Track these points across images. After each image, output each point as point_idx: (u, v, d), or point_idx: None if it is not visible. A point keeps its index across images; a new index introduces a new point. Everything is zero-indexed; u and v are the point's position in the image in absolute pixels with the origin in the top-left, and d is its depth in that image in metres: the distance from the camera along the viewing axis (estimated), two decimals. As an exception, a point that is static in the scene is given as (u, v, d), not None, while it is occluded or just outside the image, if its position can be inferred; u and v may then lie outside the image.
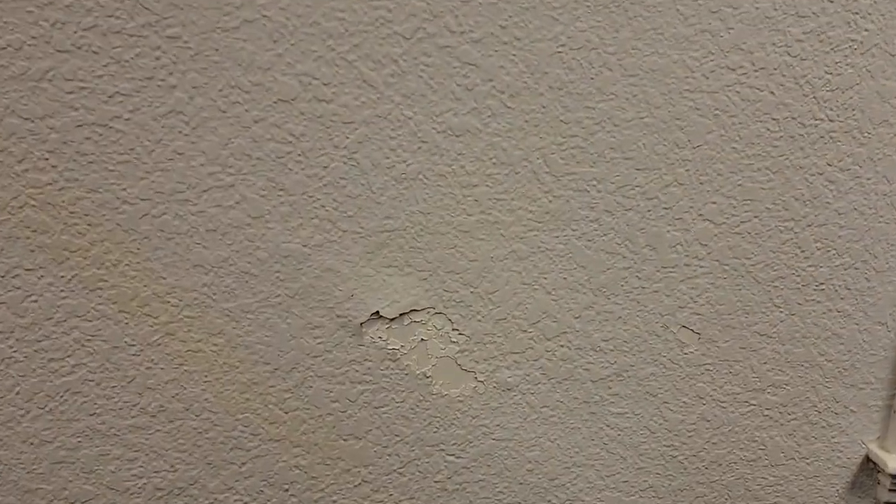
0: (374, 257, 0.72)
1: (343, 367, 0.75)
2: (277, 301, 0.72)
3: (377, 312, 0.74)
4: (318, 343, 0.74)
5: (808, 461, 0.81)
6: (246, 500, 0.79)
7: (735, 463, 0.81)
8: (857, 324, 0.77)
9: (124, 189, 0.67)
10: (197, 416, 0.76)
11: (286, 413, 0.76)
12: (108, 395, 0.74)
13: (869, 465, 0.81)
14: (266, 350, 0.74)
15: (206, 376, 0.74)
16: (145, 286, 0.70)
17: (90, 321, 0.71)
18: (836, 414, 0.80)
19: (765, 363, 0.78)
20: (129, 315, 0.71)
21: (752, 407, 0.79)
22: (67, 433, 0.75)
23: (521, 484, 0.81)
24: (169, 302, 0.71)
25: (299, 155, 0.67)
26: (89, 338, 0.71)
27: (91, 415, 0.75)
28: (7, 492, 0.76)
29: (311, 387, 0.76)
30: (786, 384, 0.79)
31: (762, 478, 0.82)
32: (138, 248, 0.69)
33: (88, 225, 0.67)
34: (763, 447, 0.81)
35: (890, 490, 0.80)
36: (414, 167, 0.69)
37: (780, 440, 0.80)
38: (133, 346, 0.72)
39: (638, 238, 0.73)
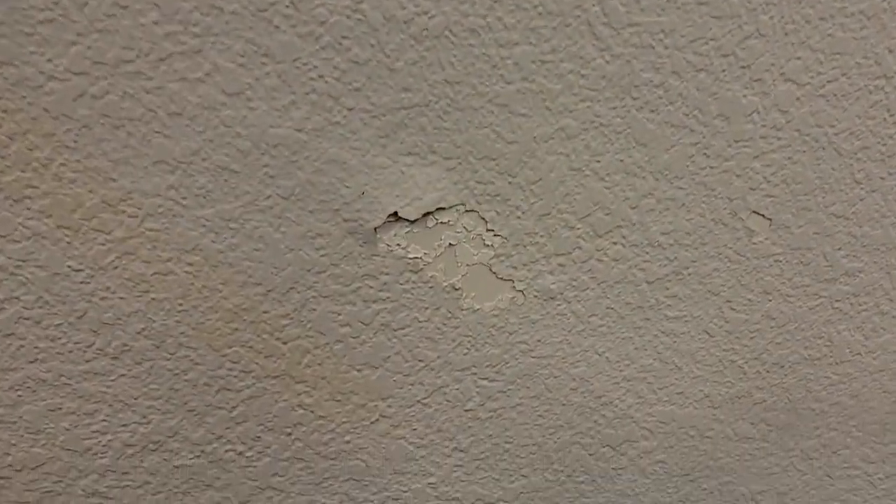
0: (388, 143, 0.56)
1: (354, 283, 0.60)
2: (267, 204, 0.56)
3: (395, 214, 0.59)
4: (322, 255, 0.59)
5: (874, 355, 0.73)
6: (240, 449, 0.65)
7: (798, 363, 0.72)
8: (942, 198, 0.67)
9: (49, 60, 0.48)
10: (171, 354, 0.60)
11: (285, 344, 0.62)
12: (52, 335, 0.57)
13: (936, 355, 0.74)
14: (256, 268, 0.58)
15: (180, 304, 0.58)
16: (90, 192, 0.53)
17: (18, 242, 0.53)
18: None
19: (839, 249, 0.68)
20: (72, 231, 0.54)
21: (822, 300, 0.69)
22: (2, 386, 0.59)
23: (563, 405, 0.69)
24: (124, 212, 0.54)
25: (288, 6, 0.50)
26: (19, 263, 0.54)
27: (31, 362, 0.58)
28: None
29: (314, 310, 0.61)
30: (859, 272, 0.69)
31: (825, 377, 0.73)
32: (75, 142, 0.51)
33: (3, 112, 0.49)
34: (829, 343, 0.72)
35: (960, 380, 0.73)
36: (438, 21, 0.53)
37: (848, 334, 0.71)
38: (80, 271, 0.55)
39: (709, 106, 0.60)
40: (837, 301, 0.70)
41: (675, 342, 0.69)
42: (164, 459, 0.64)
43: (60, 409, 0.61)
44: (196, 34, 0.50)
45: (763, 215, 0.65)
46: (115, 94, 0.50)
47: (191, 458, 0.64)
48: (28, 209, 0.52)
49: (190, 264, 0.57)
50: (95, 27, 0.48)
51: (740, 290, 0.68)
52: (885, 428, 0.77)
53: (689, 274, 0.66)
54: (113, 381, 0.60)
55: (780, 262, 0.67)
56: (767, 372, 0.72)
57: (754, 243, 0.66)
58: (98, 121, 0.51)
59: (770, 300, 0.69)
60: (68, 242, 0.54)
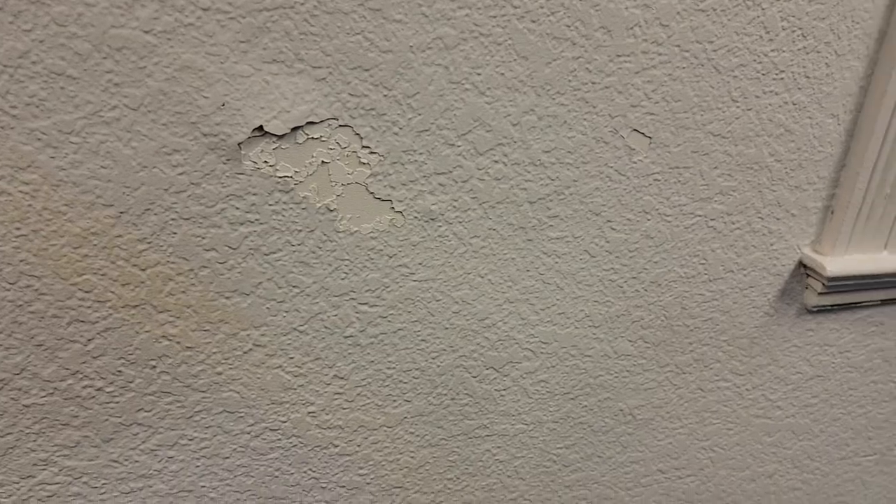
0: (250, 49, 0.51)
1: (218, 203, 0.56)
2: (114, 116, 0.50)
3: (260, 128, 0.54)
4: (180, 174, 0.54)
5: (745, 272, 0.75)
6: (99, 384, 0.60)
7: (674, 281, 0.73)
8: (810, 117, 0.69)
9: None
10: (12, 284, 0.54)
11: (143, 270, 0.57)
12: None
13: (800, 271, 0.77)
14: (105, 187, 0.53)
15: (17, 229, 0.52)
16: None
17: None
18: (777, 219, 0.73)
19: (715, 168, 0.68)
20: None
21: (697, 219, 0.70)
22: None
23: (446, 329, 0.68)
24: (-61, 123, 0.47)
25: None
26: None
27: None
28: None
29: (174, 233, 0.56)
30: (733, 190, 0.70)
31: (699, 294, 0.75)
32: None
33: None
34: (704, 262, 0.73)
35: (819, 293, 0.77)
36: None
37: (721, 252, 0.73)
38: None
39: (591, 18, 0.58)
40: (712, 220, 0.71)
41: (556, 263, 0.68)
42: (12, 399, 0.58)
43: None
44: (11, -89, 0.43)
45: (643, 133, 0.65)
46: (-87, -19, 0.43)
47: (43, 397, 0.59)
48: None
49: (26, 183, 0.51)
50: None
51: (620, 209, 0.67)
52: (753, 342, 0.80)
53: (571, 194, 0.65)
54: (-56, 315, 0.54)
55: (659, 181, 0.67)
56: (645, 290, 0.73)
57: (634, 162, 0.66)
58: None
59: (649, 219, 0.69)
60: None
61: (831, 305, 0.79)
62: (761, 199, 0.72)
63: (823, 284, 0.76)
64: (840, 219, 0.74)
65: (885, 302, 0.82)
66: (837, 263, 0.75)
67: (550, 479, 0.82)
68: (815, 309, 0.79)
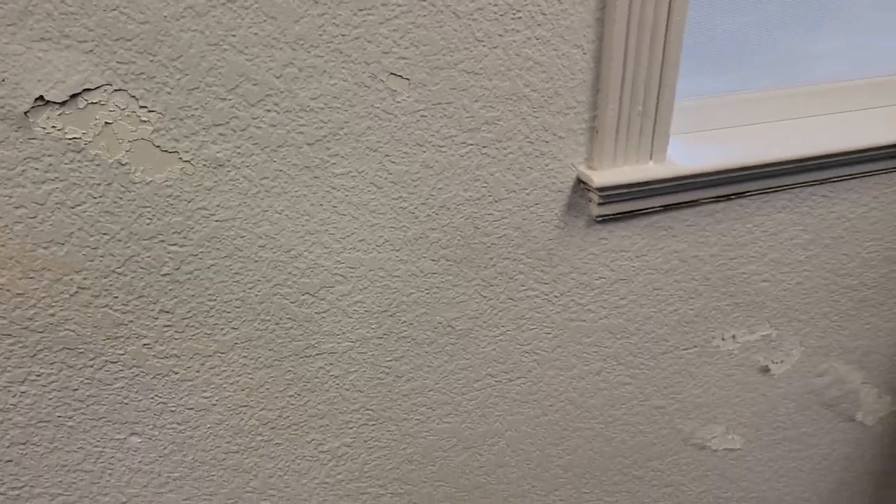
0: (17, 30, 0.61)
1: (17, 166, 0.66)
2: None
3: (41, 97, 0.64)
4: (-23, 143, 0.64)
5: (527, 191, 0.86)
6: (-57, 333, 0.70)
7: (461, 204, 0.84)
8: (555, 49, 0.79)
9: None
10: None
11: (-39, 229, 0.67)
12: None
13: (580, 186, 0.88)
14: None
15: None
16: None
17: None
18: (546, 142, 0.84)
19: (476, 101, 0.79)
20: None
21: (470, 147, 0.81)
22: None
23: (255, 261, 0.79)
24: None
25: None
26: None
27: None
28: None
29: (-16, 195, 0.66)
30: (498, 120, 0.80)
31: (489, 214, 0.86)
32: None
33: None
34: (485, 185, 0.84)
35: (598, 204, 0.88)
36: None
37: (500, 175, 0.84)
38: None
39: (326, -21, 0.68)
40: (484, 147, 0.82)
41: (346, 196, 0.79)
42: None
43: None
44: None
45: (401, 76, 0.75)
46: None
47: None
48: None
49: None
50: None
51: (395, 144, 0.78)
52: (550, 253, 0.91)
53: (346, 134, 0.75)
54: None
55: (426, 116, 0.78)
56: (436, 214, 0.83)
57: (398, 102, 0.76)
58: None
59: (424, 151, 0.79)
60: None
61: (615, 214, 0.90)
62: (526, 125, 0.82)
63: (599, 195, 0.87)
64: (603, 137, 0.85)
65: (666, 207, 0.93)
66: (607, 176, 0.86)
67: (387, 389, 0.93)
68: (600, 218, 0.90)
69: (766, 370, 1.14)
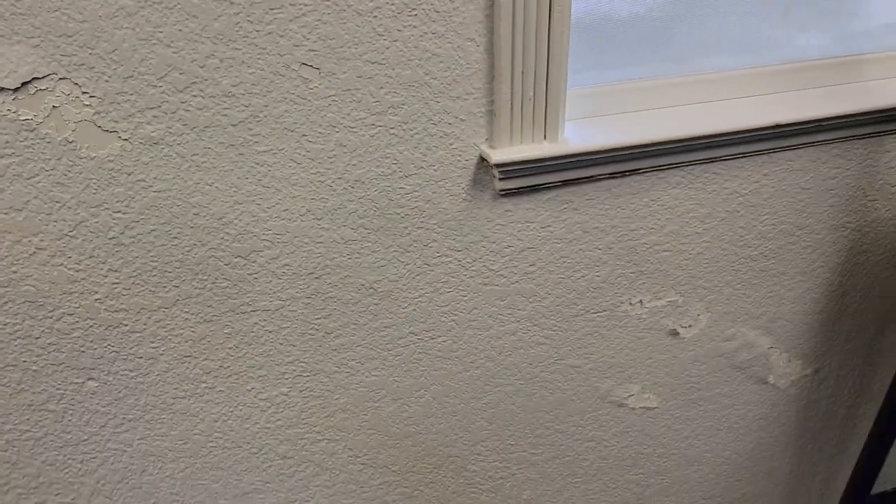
0: (-24, 29, 0.73)
1: (-21, 143, 0.78)
2: None
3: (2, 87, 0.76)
4: (-55, 123, 0.76)
5: (434, 168, 0.98)
6: (-79, 286, 0.83)
7: (375, 179, 0.96)
8: (450, 43, 0.91)
9: None
10: None
11: (-66, 197, 0.79)
12: None
13: (484, 164, 1.00)
14: None
15: None
16: None
17: None
18: (449, 124, 0.95)
19: (381, 88, 0.90)
20: None
21: (379, 128, 0.93)
22: None
23: (191, 227, 0.91)
24: None
25: None
26: None
27: None
28: None
29: (-48, 168, 0.78)
30: (402, 104, 0.92)
31: (400, 188, 0.98)
32: None
33: None
34: (395, 162, 0.96)
35: (500, 179, 0.99)
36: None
37: (408, 153, 0.96)
38: None
39: (240, -17, 0.80)
40: (392, 129, 0.94)
41: (269, 170, 0.91)
42: None
43: None
44: None
45: (311, 66, 0.87)
46: None
47: None
48: None
49: None
50: None
51: (311, 125, 0.90)
52: (461, 223, 1.03)
53: (265, 116, 0.88)
54: None
55: (336, 101, 0.90)
56: (352, 187, 0.95)
57: (311, 88, 0.88)
58: None
59: (337, 132, 0.91)
60: None
61: (517, 188, 1.02)
62: (429, 108, 0.94)
63: (498, 171, 0.98)
64: (500, 119, 0.96)
65: (565, 183, 1.05)
66: (504, 154, 0.97)
67: (318, 344, 1.06)
68: (503, 192, 1.02)
69: (675, 333, 1.26)
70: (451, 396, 1.17)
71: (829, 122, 1.12)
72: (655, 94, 1.11)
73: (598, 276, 1.15)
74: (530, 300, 1.13)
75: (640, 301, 1.20)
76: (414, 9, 0.87)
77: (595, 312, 1.19)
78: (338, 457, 1.15)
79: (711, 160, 1.11)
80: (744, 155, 1.12)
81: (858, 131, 1.17)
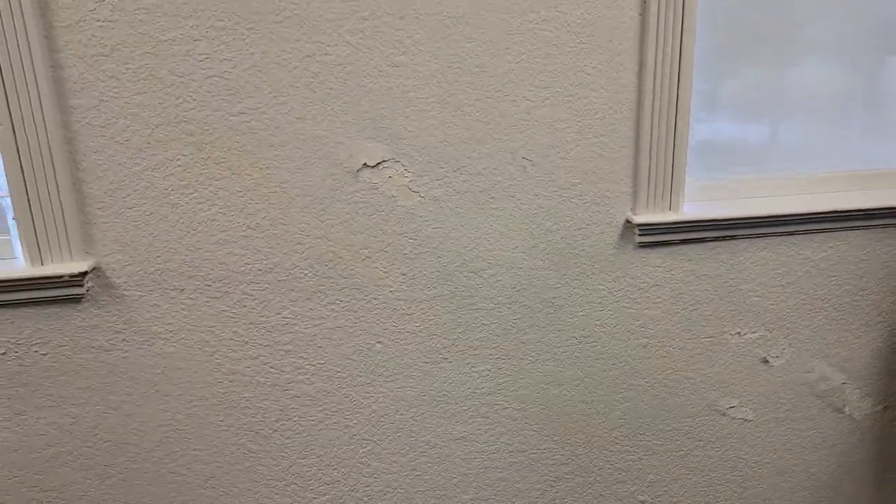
0: (359, 132, 1.40)
1: (352, 197, 1.44)
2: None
3: (365, 163, 1.42)
4: (335, 181, 1.43)
5: (597, 226, 1.54)
6: None
7: (559, 230, 1.54)
8: (610, 149, 1.49)
9: None
10: None
11: None
12: None
13: (629, 224, 1.55)
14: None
15: None
16: None
17: None
18: (607, 198, 1.52)
19: (568, 173, 1.50)
20: None
21: (563, 198, 1.52)
22: None
23: (449, 251, 1.52)
24: None
25: None
26: None
27: None
28: None
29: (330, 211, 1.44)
30: (580, 184, 1.51)
31: (574, 237, 1.55)
32: None
33: None
34: (573, 220, 1.53)
35: (638, 235, 1.54)
36: (378, 85, 1.38)
37: (581, 215, 1.53)
38: None
39: (495, 112, 1.44)
40: (572, 198, 1.52)
41: (497, 220, 1.51)
42: None
43: None
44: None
45: (528, 159, 1.48)
46: None
47: None
48: None
49: None
50: None
51: (524, 194, 1.50)
52: (612, 264, 1.58)
53: (496, 187, 1.49)
54: None
55: (542, 181, 1.50)
56: (545, 234, 1.54)
57: (527, 171, 1.49)
58: None
59: (538, 199, 1.51)
60: None
61: (650, 242, 1.57)
62: (596, 188, 1.52)
63: (637, 229, 1.54)
64: (639, 196, 1.53)
65: (684, 241, 1.58)
66: (642, 218, 1.53)
67: (513, 337, 1.62)
68: (641, 245, 1.57)
69: (765, 361, 1.72)
70: (598, 388, 1.69)
71: (876, 212, 1.60)
72: (753, 187, 1.65)
73: (706, 310, 1.66)
74: (657, 323, 1.65)
75: (738, 332, 1.68)
76: (589, 128, 1.48)
77: (704, 337, 1.68)
78: (518, 423, 1.68)
79: (790, 233, 1.61)
80: (814, 231, 1.62)
81: (903, 219, 1.64)
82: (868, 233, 1.65)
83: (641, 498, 1.79)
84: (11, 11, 1.22)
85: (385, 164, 1.44)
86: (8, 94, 1.26)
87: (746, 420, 1.77)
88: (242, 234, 1.43)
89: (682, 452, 1.78)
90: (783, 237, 1.62)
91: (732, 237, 1.60)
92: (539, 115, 1.46)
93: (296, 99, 1.37)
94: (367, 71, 1.38)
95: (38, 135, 1.29)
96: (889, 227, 1.64)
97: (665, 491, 1.79)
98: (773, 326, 1.69)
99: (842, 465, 1.86)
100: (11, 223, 1.40)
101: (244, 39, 1.32)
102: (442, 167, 1.46)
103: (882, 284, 1.69)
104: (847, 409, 1.80)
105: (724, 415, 1.76)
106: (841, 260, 1.66)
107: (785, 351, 1.72)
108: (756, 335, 1.69)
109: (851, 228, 1.63)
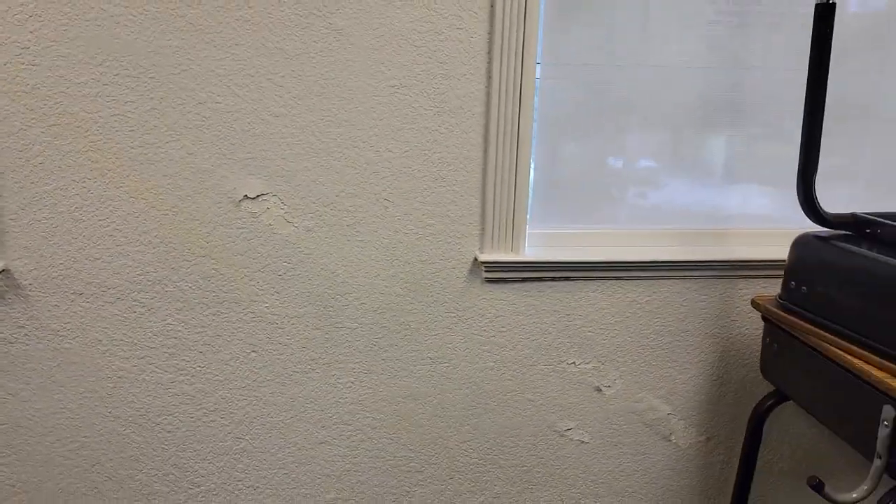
0: (238, 170, 1.66)
1: (233, 224, 1.69)
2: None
3: (245, 195, 1.68)
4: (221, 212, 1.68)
5: (448, 261, 1.79)
6: None
7: (416, 263, 1.79)
8: (462, 197, 1.76)
9: None
10: None
11: (207, 243, 1.70)
12: None
13: (476, 262, 1.81)
14: (197, 213, 1.68)
15: None
16: None
17: None
18: (458, 238, 1.77)
19: (424, 215, 1.77)
20: None
21: (420, 236, 1.78)
22: None
23: (318, 275, 1.77)
24: None
25: None
26: None
27: None
28: None
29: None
30: (435, 225, 1.77)
31: (428, 270, 1.80)
32: None
33: None
34: (428, 256, 1.79)
35: (485, 271, 1.80)
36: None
37: (435, 251, 1.79)
38: None
39: (360, 160, 1.71)
40: (427, 237, 1.78)
41: (361, 250, 1.77)
42: None
43: None
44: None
45: (388, 200, 1.75)
46: None
47: None
48: None
49: None
50: None
51: (383, 221, 1.76)
52: (462, 294, 1.83)
53: (361, 222, 1.75)
54: None
55: (401, 221, 1.76)
56: (403, 265, 1.80)
57: (388, 211, 1.75)
58: None
59: (398, 235, 1.77)
60: None
61: (495, 278, 1.83)
62: (448, 229, 1.78)
63: (483, 266, 1.80)
64: (486, 237, 1.80)
65: (524, 279, 1.84)
66: (487, 256, 1.79)
67: (374, 354, 1.86)
68: (487, 279, 1.83)
69: (599, 389, 1.97)
70: (449, 404, 1.92)
71: (691, 264, 1.88)
72: (595, 238, 1.92)
73: (545, 340, 1.91)
74: (502, 349, 1.90)
75: (574, 362, 1.94)
76: (443, 178, 1.75)
77: (544, 365, 1.93)
78: (377, 431, 1.91)
79: (617, 278, 1.88)
80: (639, 278, 1.89)
81: (717, 272, 1.91)
82: (686, 282, 1.92)
83: (489, 507, 2.01)
84: (-53, 51, 1.48)
85: (264, 197, 1.70)
86: (-61, 118, 1.51)
87: (583, 442, 2.01)
88: (136, 248, 1.67)
89: (525, 468, 2.01)
90: (612, 281, 1.89)
91: (567, 278, 1.86)
92: (399, 165, 1.73)
93: (188, 137, 1.63)
94: (251, 119, 1.64)
95: (-37, 153, 1.53)
96: (702, 279, 1.92)
97: (510, 503, 2.02)
98: (605, 359, 1.95)
99: (670, 489, 2.09)
100: (-64, 227, 1.64)
101: (146, 86, 1.59)
102: (314, 202, 1.72)
103: (700, 328, 1.95)
104: (673, 437, 2.04)
105: (562, 436, 2.00)
106: (664, 304, 1.92)
107: (616, 381, 1.97)
108: (590, 366, 1.95)
109: (671, 278, 1.90)
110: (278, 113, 1.65)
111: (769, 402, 1.82)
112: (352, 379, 1.86)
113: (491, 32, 1.68)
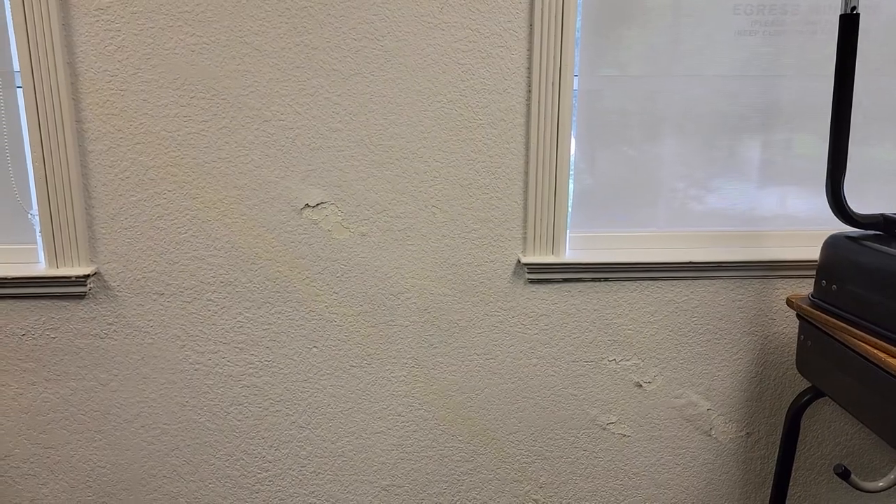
0: (301, 181, 1.83)
1: (297, 230, 1.86)
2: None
3: (307, 204, 1.84)
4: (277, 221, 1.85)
5: (494, 263, 1.92)
6: None
7: (464, 265, 1.92)
8: (506, 204, 1.89)
9: None
10: None
11: (272, 247, 1.87)
12: None
13: (520, 263, 1.93)
14: (263, 220, 1.85)
15: None
16: None
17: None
18: (503, 242, 1.90)
19: (471, 220, 1.90)
20: None
21: (467, 240, 1.91)
22: None
23: (373, 276, 1.92)
24: None
25: None
26: (193, 216, 1.82)
27: None
28: None
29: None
30: (481, 229, 1.90)
31: (475, 271, 1.93)
32: None
33: None
34: (475, 258, 1.92)
35: (528, 272, 1.91)
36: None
37: (481, 254, 1.91)
38: None
39: (410, 170, 1.85)
40: (474, 240, 1.92)
41: (413, 255, 1.91)
42: None
43: None
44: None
45: (438, 208, 1.88)
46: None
47: None
48: None
49: None
50: None
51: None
52: (506, 294, 1.96)
53: (414, 232, 1.89)
54: None
55: (450, 226, 1.90)
56: (451, 267, 1.93)
57: (437, 222, 1.89)
58: None
59: (447, 239, 1.91)
60: None
61: (538, 279, 1.94)
62: (493, 233, 1.91)
63: (527, 268, 1.92)
64: (529, 241, 1.92)
65: (566, 280, 1.95)
66: (530, 259, 1.91)
67: (424, 350, 1.99)
68: (530, 280, 1.95)
69: (639, 385, 2.06)
70: (495, 398, 2.04)
71: (730, 264, 1.96)
72: (628, 240, 2.02)
73: (587, 338, 2.01)
74: (545, 346, 2.01)
75: (615, 359, 2.03)
76: (487, 185, 1.88)
77: (585, 361, 2.03)
78: (428, 423, 2.04)
79: (653, 279, 1.97)
80: (674, 278, 1.97)
81: (753, 272, 1.99)
82: (722, 282, 1.99)
83: (535, 497, 2.12)
84: (52, 83, 1.69)
85: (323, 206, 1.86)
86: (42, 139, 1.72)
87: (625, 435, 2.10)
88: (209, 253, 1.85)
89: (569, 459, 2.11)
90: (649, 281, 1.98)
91: (606, 279, 1.96)
92: (446, 174, 1.87)
93: (255, 152, 1.80)
94: (311, 134, 1.81)
95: (62, 170, 1.74)
96: (738, 279, 1.99)
97: (555, 493, 2.12)
98: (644, 356, 2.04)
99: (710, 484, 2.16)
100: (38, 235, 1.85)
101: (218, 106, 1.77)
102: (368, 210, 1.87)
103: (737, 326, 2.03)
104: (713, 432, 2.11)
105: (604, 429, 2.09)
106: (701, 303, 2.00)
107: (656, 377, 2.06)
108: (630, 362, 2.04)
109: (708, 278, 1.98)
110: (335, 128, 1.81)
111: (805, 398, 1.88)
112: (404, 373, 2.00)
113: (530, 49, 1.81)
